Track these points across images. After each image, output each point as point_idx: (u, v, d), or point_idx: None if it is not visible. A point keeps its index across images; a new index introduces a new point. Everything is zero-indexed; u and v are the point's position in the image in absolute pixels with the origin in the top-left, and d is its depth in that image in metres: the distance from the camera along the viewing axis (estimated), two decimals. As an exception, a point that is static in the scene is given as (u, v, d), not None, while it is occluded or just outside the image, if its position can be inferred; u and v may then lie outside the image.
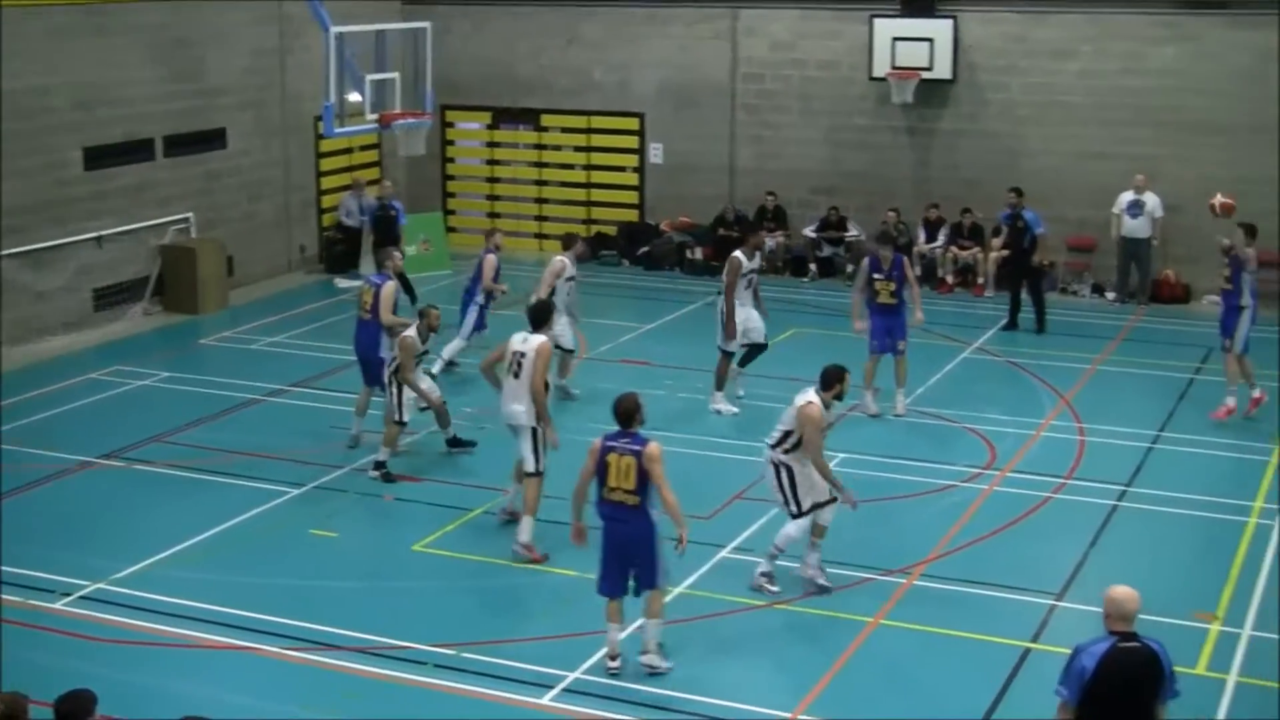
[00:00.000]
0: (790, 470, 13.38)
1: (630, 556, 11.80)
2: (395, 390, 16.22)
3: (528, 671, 11.98)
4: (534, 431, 14.19)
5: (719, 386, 18.76)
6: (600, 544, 11.96)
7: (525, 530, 14.16)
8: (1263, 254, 23.46)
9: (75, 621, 12.90)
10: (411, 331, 16.19)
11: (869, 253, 19.00)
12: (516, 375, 14.23)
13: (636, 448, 11.71)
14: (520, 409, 14.19)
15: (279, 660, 12.31)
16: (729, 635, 12.81)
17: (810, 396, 13.30)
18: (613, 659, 11.98)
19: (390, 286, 17.04)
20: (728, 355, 18.65)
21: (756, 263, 18.77)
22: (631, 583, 11.90)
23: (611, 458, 11.75)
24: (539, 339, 14.34)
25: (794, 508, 13.45)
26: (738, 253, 18.60)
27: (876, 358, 18.53)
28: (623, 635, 12.03)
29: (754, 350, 18.88)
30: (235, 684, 11.92)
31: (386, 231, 24.16)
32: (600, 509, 11.89)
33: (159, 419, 18.33)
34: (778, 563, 13.62)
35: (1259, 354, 19.16)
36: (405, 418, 16.27)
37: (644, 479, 11.65)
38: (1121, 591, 8.73)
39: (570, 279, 18.83)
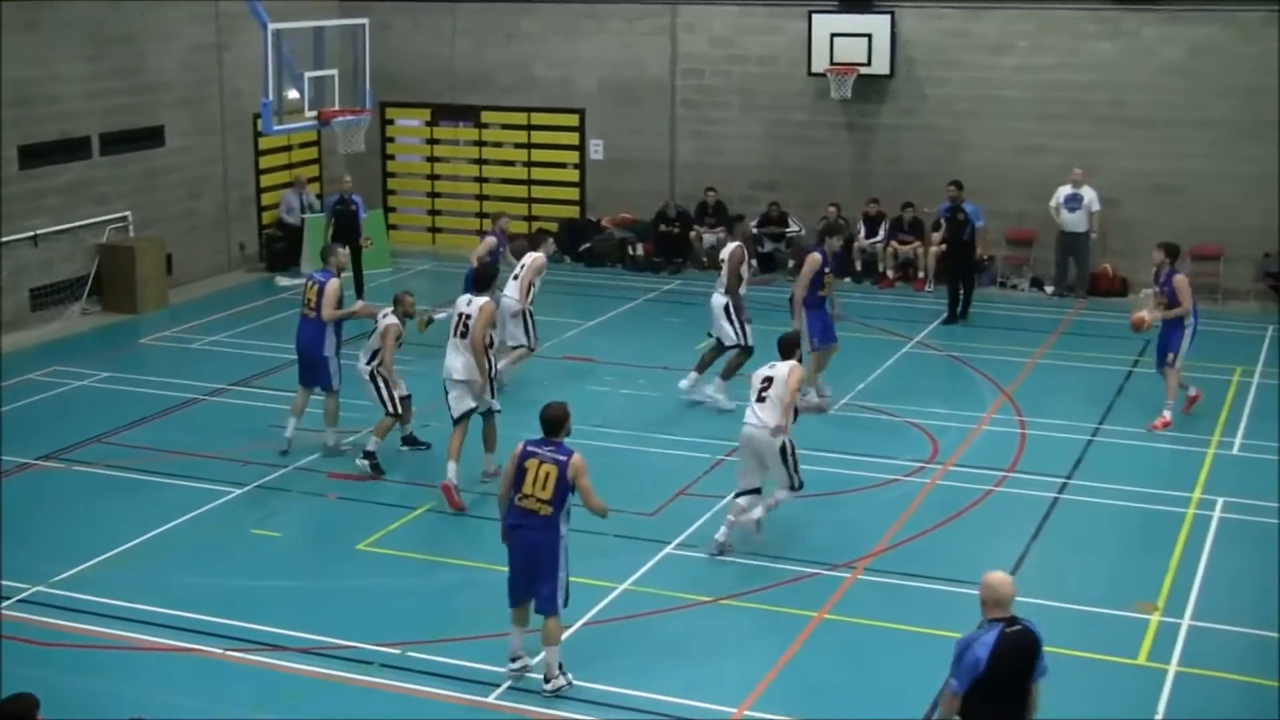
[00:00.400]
0: (794, 445, 14.08)
1: (534, 566, 11.54)
2: (381, 384, 16.28)
3: (474, 670, 11.96)
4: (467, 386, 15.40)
5: (726, 376, 18.56)
6: (508, 550, 11.75)
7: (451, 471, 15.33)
8: (1202, 247, 23.91)
9: (15, 625, 12.76)
10: (393, 319, 16.22)
11: (815, 249, 18.75)
12: (463, 335, 15.39)
13: (561, 457, 11.45)
14: (460, 364, 15.35)
15: (222, 661, 12.23)
16: (675, 632, 12.83)
17: (791, 364, 14.31)
18: (514, 660, 11.81)
19: (334, 283, 16.90)
20: (745, 350, 18.47)
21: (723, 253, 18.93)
22: (532, 602, 11.66)
23: (530, 464, 11.46)
24: (482, 299, 15.57)
25: (796, 481, 14.16)
26: (738, 243, 18.74)
27: (827, 350, 18.50)
28: (524, 639, 11.81)
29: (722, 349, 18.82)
30: (178, 686, 11.84)
31: (347, 226, 24.09)
32: (509, 516, 11.61)
33: (98, 420, 18.17)
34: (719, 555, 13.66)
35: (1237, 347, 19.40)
36: (396, 408, 16.39)
37: (561, 491, 11.40)
38: (996, 578, 8.86)
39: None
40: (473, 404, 15.47)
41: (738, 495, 14.27)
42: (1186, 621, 12.92)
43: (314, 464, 16.67)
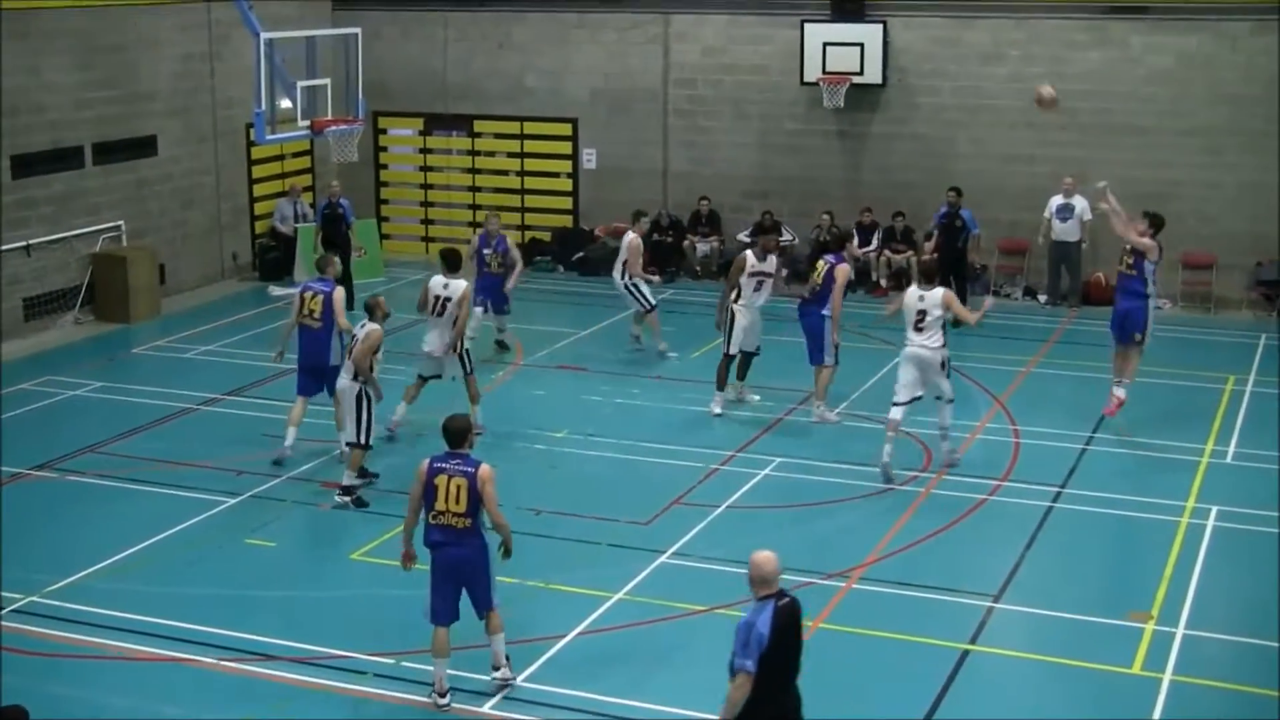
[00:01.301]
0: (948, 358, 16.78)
1: (464, 578, 11.59)
2: (366, 408, 15.63)
3: (469, 680, 11.93)
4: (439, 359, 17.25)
5: (719, 387, 18.81)
6: (430, 569, 11.68)
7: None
8: (1193, 256, 23.97)
9: (8, 635, 12.73)
10: (377, 325, 15.78)
11: (839, 260, 18.52)
12: (439, 314, 17.14)
13: (469, 469, 11.42)
14: (434, 338, 17.27)
15: (216, 671, 12.22)
16: (669, 641, 12.83)
17: (942, 290, 16.51)
18: (442, 696, 11.64)
19: (340, 292, 16.94)
20: (729, 358, 18.71)
21: (769, 265, 18.73)
22: (469, 606, 11.74)
23: (440, 480, 11.43)
24: (460, 283, 17.13)
25: (951, 390, 16.77)
26: (748, 252, 18.80)
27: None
28: (446, 670, 11.71)
29: (746, 358, 18.90)
30: (172, 696, 11.83)
31: (335, 229, 24.26)
32: (429, 534, 11.57)
33: (91, 429, 18.15)
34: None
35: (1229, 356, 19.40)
36: (369, 440, 15.83)
37: (475, 501, 11.38)
38: (761, 556, 9.20)
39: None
40: (436, 372, 17.46)
41: (895, 405, 16.44)
42: (1181, 630, 12.93)
43: (308, 473, 16.66)
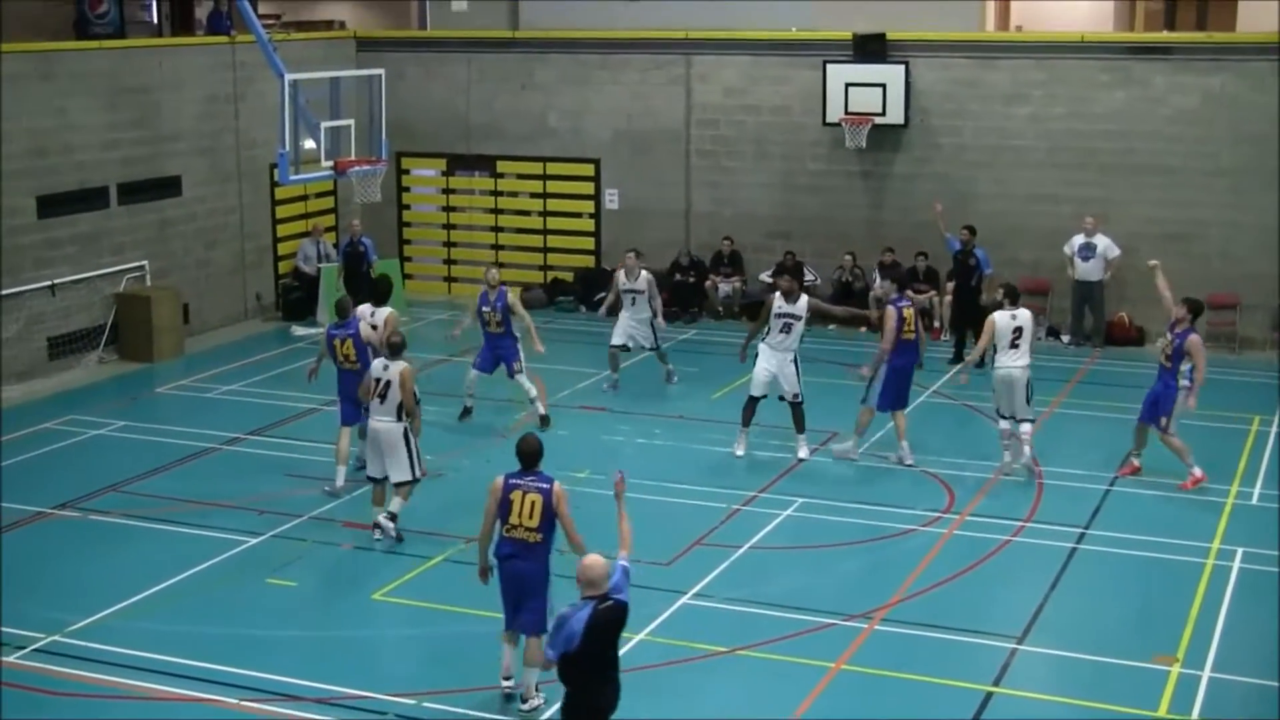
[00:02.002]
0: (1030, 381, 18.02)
1: (523, 593, 11.97)
2: (413, 443, 15.63)
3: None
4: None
5: (744, 424, 18.72)
6: (499, 580, 12.12)
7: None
8: (1217, 296, 23.87)
9: (30, 675, 12.74)
10: (404, 363, 15.68)
11: (893, 303, 18.53)
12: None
13: (544, 485, 11.92)
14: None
15: (238, 712, 12.19)
16: (691, 682, 12.78)
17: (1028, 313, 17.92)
18: (506, 679, 12.26)
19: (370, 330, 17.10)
20: (753, 399, 18.60)
21: (798, 309, 18.36)
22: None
23: (515, 495, 11.90)
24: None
25: (1032, 412, 18.04)
26: (776, 293, 18.61)
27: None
28: (516, 656, 12.30)
29: (793, 409, 18.54)
30: (194, 737, 11.82)
31: (356, 268, 24.51)
32: (500, 547, 12.02)
33: (114, 468, 18.18)
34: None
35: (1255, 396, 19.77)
36: (422, 470, 15.85)
37: (548, 518, 11.86)
38: (590, 560, 9.86)
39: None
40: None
41: (1001, 418, 17.96)
42: (1207, 673, 12.83)
43: (329, 513, 16.66)
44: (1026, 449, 17.82)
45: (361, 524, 16.15)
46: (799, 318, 18.42)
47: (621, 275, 21.46)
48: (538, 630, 11.88)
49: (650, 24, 27.43)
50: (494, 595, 13.96)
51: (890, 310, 18.30)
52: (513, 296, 20.14)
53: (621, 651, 12.94)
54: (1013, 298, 17.95)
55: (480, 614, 13.84)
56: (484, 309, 19.76)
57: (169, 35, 27.60)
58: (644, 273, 21.36)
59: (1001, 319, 17.72)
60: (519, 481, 11.94)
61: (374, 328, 17.07)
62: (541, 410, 19.64)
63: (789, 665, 13.02)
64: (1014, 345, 17.67)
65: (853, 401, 18.82)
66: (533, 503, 11.86)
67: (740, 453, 18.59)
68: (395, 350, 15.74)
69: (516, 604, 12.02)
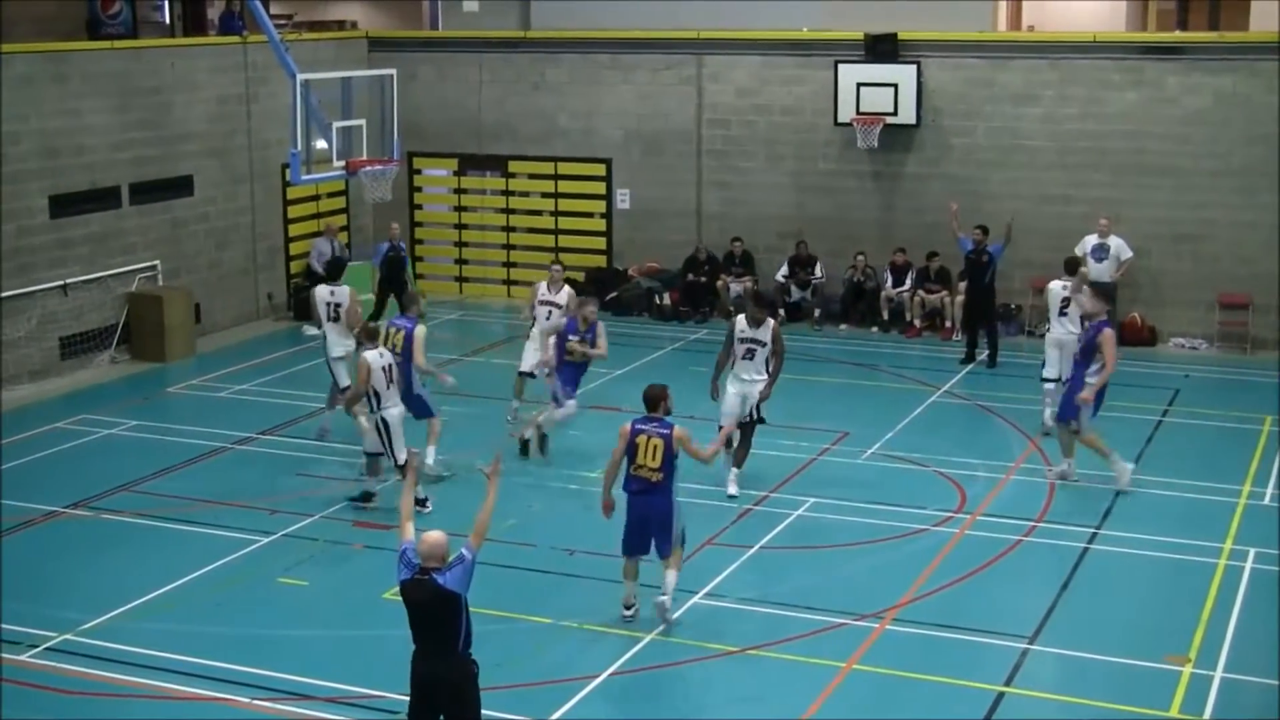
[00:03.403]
0: None
1: (651, 526, 13.40)
2: (387, 434, 16.41)
3: (501, 720, 11.93)
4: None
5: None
6: (625, 513, 13.45)
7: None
8: (1229, 296, 23.85)
9: (42, 674, 12.77)
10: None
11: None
12: (335, 320, 18.30)
13: (665, 431, 13.32)
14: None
15: (249, 711, 12.20)
16: (702, 682, 12.78)
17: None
18: (628, 608, 13.66)
19: (422, 330, 17.43)
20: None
21: (762, 334, 17.10)
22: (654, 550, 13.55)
23: (640, 439, 13.31)
24: (345, 288, 18.17)
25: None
26: (739, 317, 17.43)
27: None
28: (636, 589, 13.64)
29: (745, 432, 17.33)
30: (205, 736, 11.83)
31: (396, 273, 24.82)
32: (628, 484, 13.40)
33: (126, 468, 18.22)
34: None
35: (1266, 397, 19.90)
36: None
37: (669, 459, 13.24)
38: (425, 535, 10.12)
39: None
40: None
41: (1045, 381, 19.31)
42: (1219, 674, 12.81)
43: (340, 513, 16.68)
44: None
45: (373, 524, 16.18)
46: (763, 343, 17.08)
47: (544, 286, 19.58)
48: (669, 552, 13.45)
49: (661, 24, 27.43)
50: (504, 594, 14.12)
51: (1109, 332, 17.02)
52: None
53: (632, 652, 13.09)
54: (1070, 269, 19.28)
55: (490, 613, 13.85)
56: (571, 338, 18.21)
57: (181, 36, 27.61)
58: (567, 287, 19.55)
59: (1054, 286, 19.17)
60: (644, 427, 13.38)
61: (337, 305, 18.56)
62: (525, 434, 18.43)
63: (800, 665, 13.02)
64: (1063, 313, 18.90)
65: (863, 402, 18.77)
66: (655, 446, 13.24)
67: (733, 492, 17.19)
68: (335, 273, 17.77)
69: (644, 533, 13.45)
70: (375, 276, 24.91)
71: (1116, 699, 12.33)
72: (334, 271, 19.43)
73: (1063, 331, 18.97)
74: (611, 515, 13.56)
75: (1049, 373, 19.24)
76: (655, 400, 13.61)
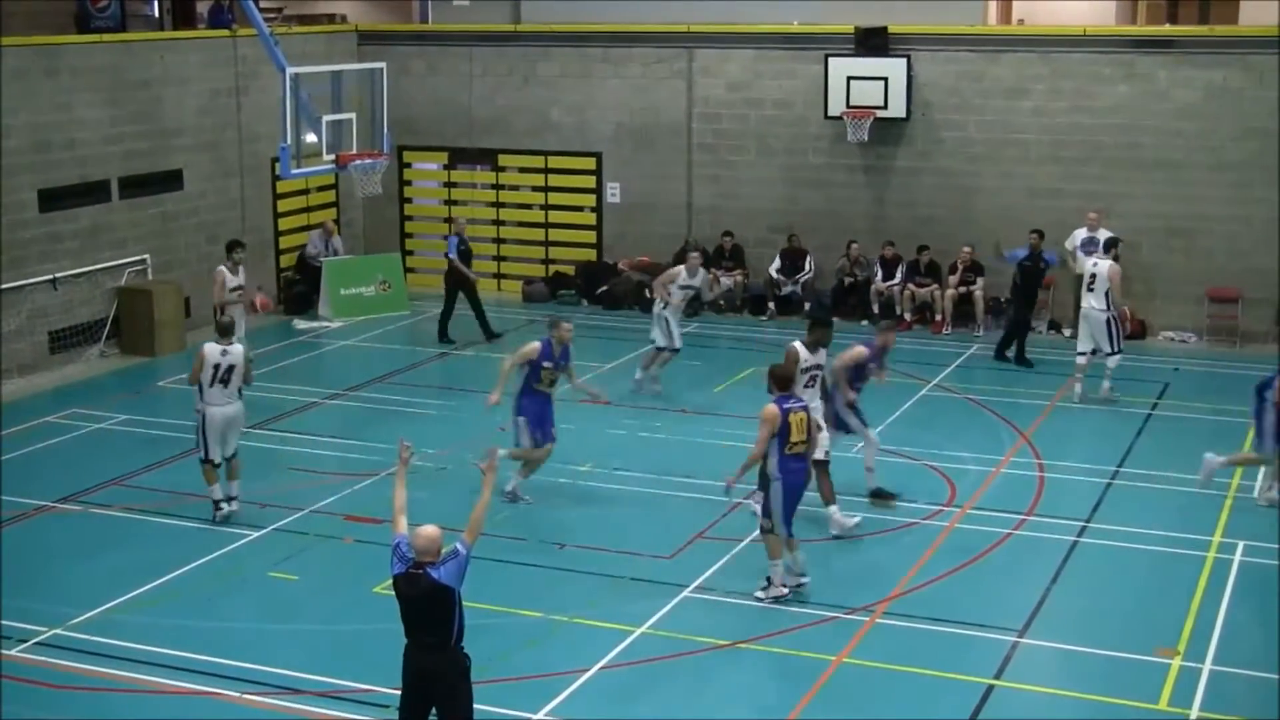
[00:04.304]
0: (1117, 320, 20.93)
1: (801, 493, 14.06)
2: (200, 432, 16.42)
3: (494, 714, 11.88)
4: None
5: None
6: (783, 491, 13.79)
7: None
8: (1219, 290, 23.87)
9: (32, 668, 12.76)
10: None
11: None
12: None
13: (803, 404, 14.06)
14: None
15: (240, 705, 12.20)
16: (693, 675, 12.78)
17: (1111, 262, 20.67)
18: (801, 576, 14.20)
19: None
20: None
21: (820, 358, 15.85)
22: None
23: (792, 418, 13.73)
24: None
25: (1117, 346, 20.79)
26: (796, 343, 15.78)
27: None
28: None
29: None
30: (196, 730, 11.83)
31: (465, 264, 24.92)
32: (784, 463, 13.74)
33: (116, 462, 18.20)
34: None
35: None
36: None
37: (812, 430, 14.06)
38: (423, 530, 10.06)
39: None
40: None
41: (1079, 355, 20.82)
42: (1208, 666, 12.83)
43: (330, 507, 16.67)
44: (1106, 382, 20.49)
45: (363, 517, 16.18)
46: (822, 367, 15.89)
47: (683, 271, 21.60)
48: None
49: (652, 18, 27.42)
50: (498, 589, 14.09)
51: None
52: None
53: (623, 645, 13.10)
54: (1104, 248, 21.45)
55: (483, 607, 13.85)
56: (545, 364, 16.67)
57: (170, 29, 27.54)
58: (703, 270, 20.45)
59: (1085, 263, 21.12)
60: (789, 405, 13.82)
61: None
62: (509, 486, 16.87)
63: (791, 658, 13.03)
64: (1090, 289, 20.54)
65: (889, 403, 18.68)
66: (801, 419, 13.81)
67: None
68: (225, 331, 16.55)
69: (798, 502, 14.03)
70: (447, 268, 24.77)
71: (1106, 692, 12.36)
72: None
73: (1089, 307, 20.55)
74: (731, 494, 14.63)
75: (1082, 345, 20.76)
76: (788, 379, 14.13)
